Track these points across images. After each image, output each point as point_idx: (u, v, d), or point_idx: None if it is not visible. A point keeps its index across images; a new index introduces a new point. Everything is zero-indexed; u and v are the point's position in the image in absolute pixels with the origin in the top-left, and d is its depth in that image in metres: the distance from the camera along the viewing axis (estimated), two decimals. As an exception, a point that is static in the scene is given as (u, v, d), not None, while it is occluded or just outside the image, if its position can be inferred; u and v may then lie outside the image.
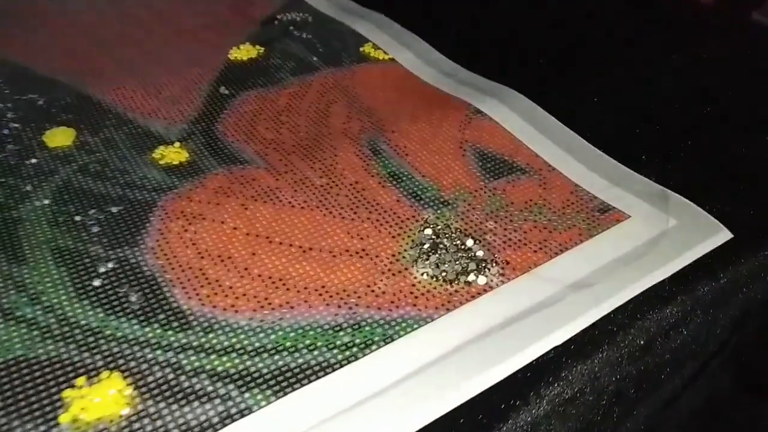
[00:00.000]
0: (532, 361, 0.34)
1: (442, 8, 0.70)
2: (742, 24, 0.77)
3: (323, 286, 0.37)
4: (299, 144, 0.49)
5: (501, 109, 0.52)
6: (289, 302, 0.36)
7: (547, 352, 0.35)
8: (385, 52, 0.60)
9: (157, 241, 0.40)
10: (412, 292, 0.37)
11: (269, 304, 0.36)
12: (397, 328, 0.35)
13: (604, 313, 0.37)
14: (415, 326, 0.35)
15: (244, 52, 0.60)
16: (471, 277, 0.38)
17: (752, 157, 0.49)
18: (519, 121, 0.51)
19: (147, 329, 0.34)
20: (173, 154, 0.47)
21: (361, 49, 0.61)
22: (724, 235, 0.42)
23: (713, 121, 0.53)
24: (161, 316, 0.35)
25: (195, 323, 0.35)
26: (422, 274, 0.38)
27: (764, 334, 0.49)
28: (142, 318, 0.35)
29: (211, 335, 0.34)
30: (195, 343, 0.34)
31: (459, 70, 0.58)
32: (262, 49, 0.61)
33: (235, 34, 0.63)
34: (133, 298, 0.36)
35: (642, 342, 0.37)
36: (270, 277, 0.38)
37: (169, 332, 0.34)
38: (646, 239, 0.41)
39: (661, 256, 0.40)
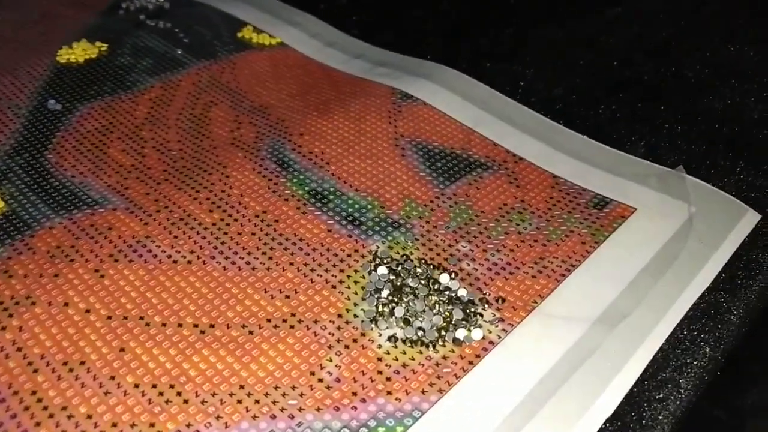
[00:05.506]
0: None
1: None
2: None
3: (242, 386, 0.24)
4: (173, 167, 0.34)
5: (434, 89, 0.41)
6: (191, 424, 0.23)
7: (602, 428, 0.23)
8: (270, 36, 0.47)
9: (-44, 354, 0.24)
10: (380, 372, 0.25)
11: (158, 434, 0.22)
12: (371, 438, 0.22)
13: (656, 349, 0.26)
14: (398, 428, 0.23)
15: (79, 51, 0.44)
16: (461, 333, 0.26)
17: (735, 117, 0.40)
18: (460, 102, 0.40)
19: None
20: (-21, 207, 0.31)
21: (238, 34, 0.47)
22: (752, 216, 0.32)
23: (673, 77, 0.43)
24: (-33, 496, 0.20)
25: (31, 496, 0.20)
26: (389, 340, 0.26)
27: None
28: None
29: None
30: None
31: (368, 49, 0.46)
32: (105, 45, 0.45)
33: (64, 31, 0.47)
34: None
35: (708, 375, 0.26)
36: (155, 386, 0.24)
37: None
38: (668, 237, 0.31)
39: (694, 257, 0.30)
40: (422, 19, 0.51)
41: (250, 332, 0.26)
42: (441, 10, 0.52)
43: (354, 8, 0.51)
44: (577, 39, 0.47)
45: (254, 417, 0.23)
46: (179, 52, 0.45)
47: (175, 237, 0.30)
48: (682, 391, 0.25)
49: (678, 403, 0.25)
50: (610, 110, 0.40)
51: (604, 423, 0.23)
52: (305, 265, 0.29)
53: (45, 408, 0.23)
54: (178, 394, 0.23)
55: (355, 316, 0.27)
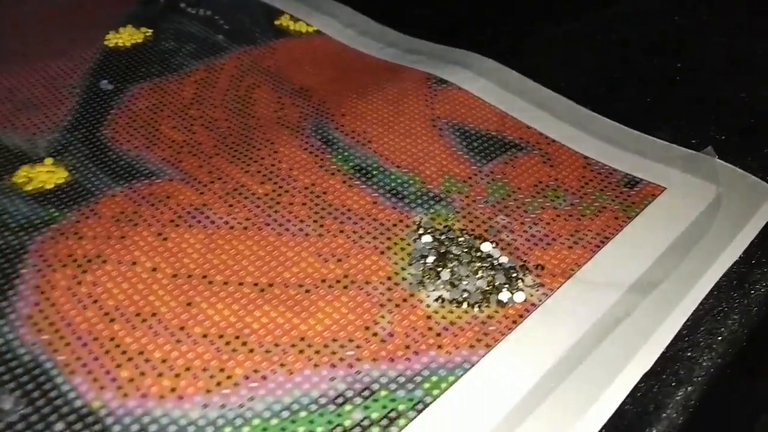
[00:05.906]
0: (626, 401, 0.24)
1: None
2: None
3: (302, 338, 0.26)
4: (222, 143, 0.36)
5: (468, 75, 0.42)
6: (258, 370, 0.24)
7: (639, 383, 0.25)
8: (307, 24, 0.49)
9: (37, 304, 0.26)
10: (430, 328, 0.26)
11: (228, 378, 0.24)
12: (425, 385, 0.24)
13: (688, 314, 0.27)
14: (450, 378, 0.24)
15: (126, 36, 0.46)
16: (504, 295, 0.28)
17: (757, 105, 0.41)
18: (493, 87, 0.41)
19: (36, 454, 0.21)
20: (45, 175, 0.33)
21: (276, 22, 0.49)
22: (776, 197, 0.34)
23: (693, 67, 0.45)
24: (58, 427, 0.22)
25: (117, 428, 0.22)
26: (436, 300, 0.27)
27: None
28: (25, 436, 0.22)
29: (145, 446, 0.22)
30: (121, 465, 0.21)
31: (401, 38, 0.48)
32: (150, 31, 0.47)
33: (110, 17, 0.49)
34: (6, 405, 0.23)
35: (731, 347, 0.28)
36: (221, 336, 0.25)
37: (75, 453, 0.21)
38: (696, 215, 0.32)
39: (721, 233, 0.31)
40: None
41: (307, 291, 0.27)
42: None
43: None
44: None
45: (315, 365, 0.25)
46: (220, 37, 0.47)
47: (230, 206, 0.32)
48: (713, 353, 0.27)
49: (709, 364, 0.26)
50: (619, 103, 0.41)
51: (641, 379, 0.25)
52: (354, 232, 0.31)
53: (124, 352, 0.24)
54: (244, 344, 0.25)
55: (403, 279, 0.28)
